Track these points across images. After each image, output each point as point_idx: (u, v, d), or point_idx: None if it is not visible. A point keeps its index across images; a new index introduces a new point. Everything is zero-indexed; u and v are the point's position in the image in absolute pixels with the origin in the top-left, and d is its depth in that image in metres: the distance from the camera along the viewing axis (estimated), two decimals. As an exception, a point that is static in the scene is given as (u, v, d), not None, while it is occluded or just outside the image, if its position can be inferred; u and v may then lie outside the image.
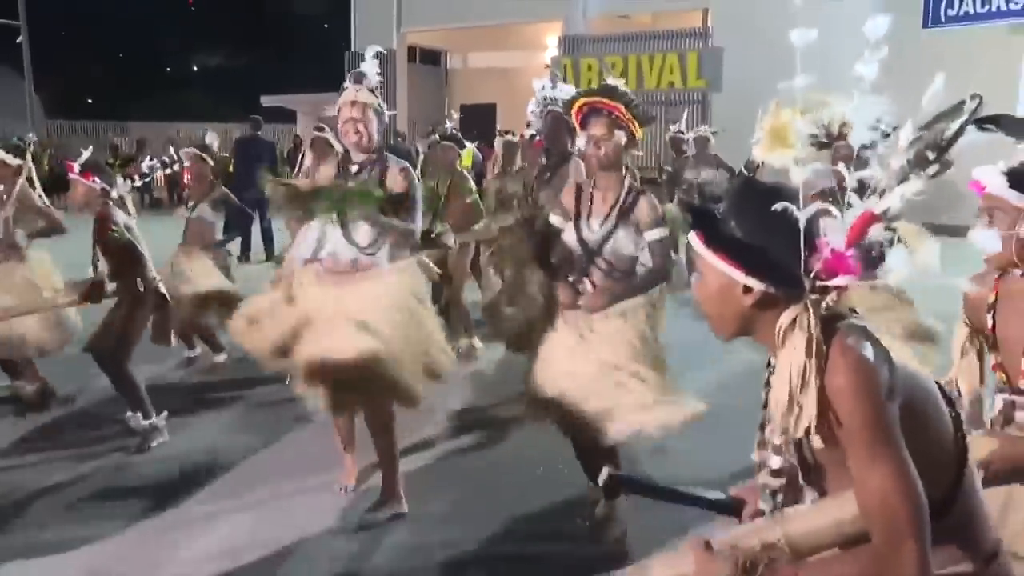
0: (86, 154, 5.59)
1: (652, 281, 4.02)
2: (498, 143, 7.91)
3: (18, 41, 32.12)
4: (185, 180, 7.76)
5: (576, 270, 4.01)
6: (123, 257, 5.28)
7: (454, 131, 7.93)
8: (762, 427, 1.85)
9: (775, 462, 1.78)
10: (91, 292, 5.26)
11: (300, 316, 4.16)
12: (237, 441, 5.41)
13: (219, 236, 7.17)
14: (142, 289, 5.32)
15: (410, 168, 4.33)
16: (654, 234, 3.95)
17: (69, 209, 6.12)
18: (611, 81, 4.06)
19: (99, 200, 5.40)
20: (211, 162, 7.14)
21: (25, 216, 6.06)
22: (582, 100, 4.04)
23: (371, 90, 4.28)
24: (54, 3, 37.66)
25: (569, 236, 4.03)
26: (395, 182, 4.21)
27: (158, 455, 5.21)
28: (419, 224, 4.32)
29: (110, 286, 5.27)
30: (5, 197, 6.02)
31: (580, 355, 3.89)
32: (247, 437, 5.45)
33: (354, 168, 4.26)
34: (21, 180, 6.07)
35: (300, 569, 3.87)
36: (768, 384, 1.80)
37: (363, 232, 4.15)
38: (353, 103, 4.23)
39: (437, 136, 8.96)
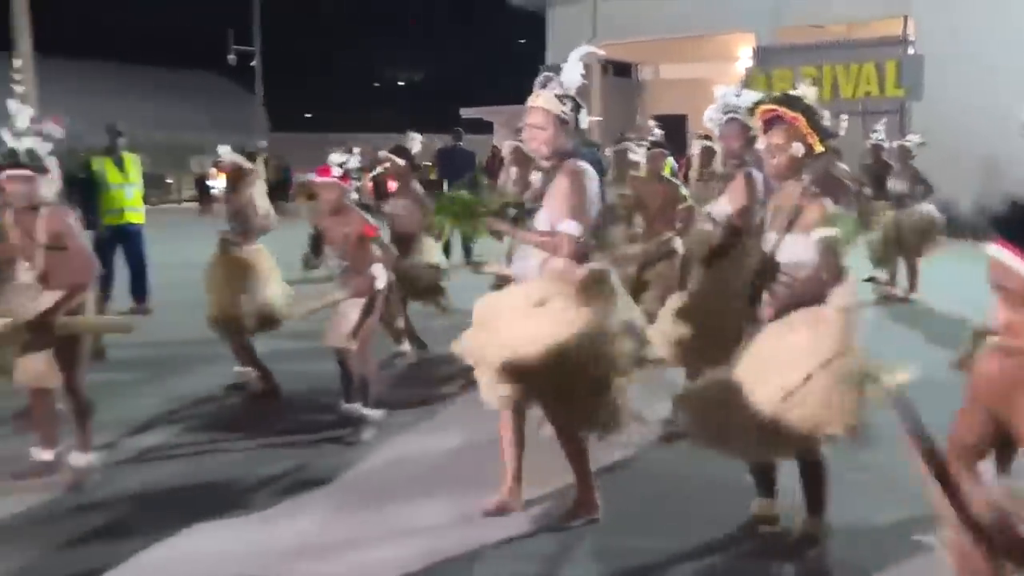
0: (341, 157, 5.58)
1: (822, 283, 3.70)
2: (696, 145, 7.70)
3: (252, 64, 34.51)
4: (390, 186, 7.90)
5: (765, 282, 3.81)
6: (376, 257, 5.46)
7: (661, 139, 7.71)
8: None
9: None
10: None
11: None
12: (443, 439, 5.44)
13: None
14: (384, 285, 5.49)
15: (579, 170, 3.97)
16: (820, 233, 3.68)
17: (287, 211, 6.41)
18: (800, 89, 3.84)
19: (346, 202, 5.54)
20: (401, 162, 7.21)
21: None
22: (764, 107, 3.85)
23: (559, 96, 3.97)
24: (282, 30, 39.96)
25: (757, 250, 3.86)
26: (556, 185, 3.98)
27: (366, 448, 5.30)
28: (570, 227, 3.91)
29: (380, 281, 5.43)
30: (236, 194, 6.40)
31: (769, 370, 3.64)
32: (453, 435, 5.47)
33: (533, 177, 4.20)
34: (252, 181, 6.45)
35: (487, 570, 3.84)
36: None
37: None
38: (532, 109, 4.00)
39: (625, 144, 8.89)
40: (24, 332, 4.46)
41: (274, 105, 39.66)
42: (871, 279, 10.78)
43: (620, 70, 28.39)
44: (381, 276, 5.47)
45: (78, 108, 26.84)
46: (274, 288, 6.30)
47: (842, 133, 9.40)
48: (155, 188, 25.61)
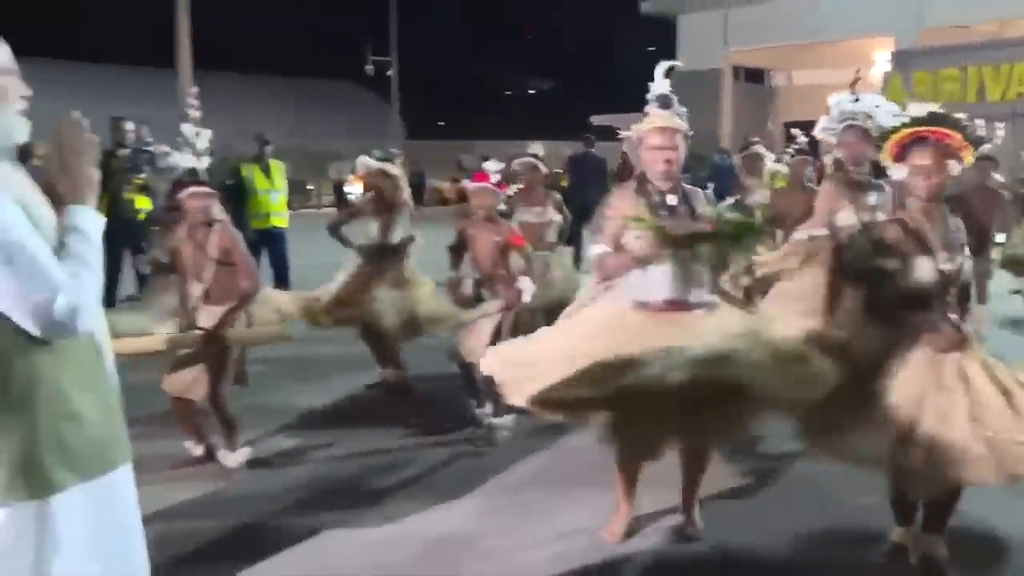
0: (496, 164, 5.60)
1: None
2: (829, 159, 7.46)
3: (388, 74, 35.45)
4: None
5: (936, 306, 3.57)
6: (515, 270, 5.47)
7: (805, 146, 7.50)
8: None
9: None
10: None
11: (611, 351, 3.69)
12: (577, 440, 5.24)
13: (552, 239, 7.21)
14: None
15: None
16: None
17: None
18: (913, 107, 3.65)
19: (494, 210, 5.56)
20: (544, 170, 7.23)
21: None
22: (907, 130, 3.62)
23: (679, 115, 3.91)
24: (417, 41, 40.88)
25: (924, 271, 3.57)
26: (704, 208, 3.93)
27: (499, 451, 5.32)
28: None
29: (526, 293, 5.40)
30: (380, 205, 6.55)
31: (965, 397, 3.43)
32: (585, 438, 5.32)
33: (670, 199, 3.87)
34: (401, 188, 6.62)
35: None
36: None
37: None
38: (663, 130, 3.86)
39: (755, 149, 8.70)
40: (192, 344, 4.70)
41: (408, 113, 40.52)
42: (1018, 291, 10.27)
43: (752, 76, 27.85)
44: (528, 289, 5.41)
45: (227, 118, 28.17)
46: (425, 296, 6.41)
47: (998, 141, 8.95)
48: (296, 194, 26.52)
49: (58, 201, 2.06)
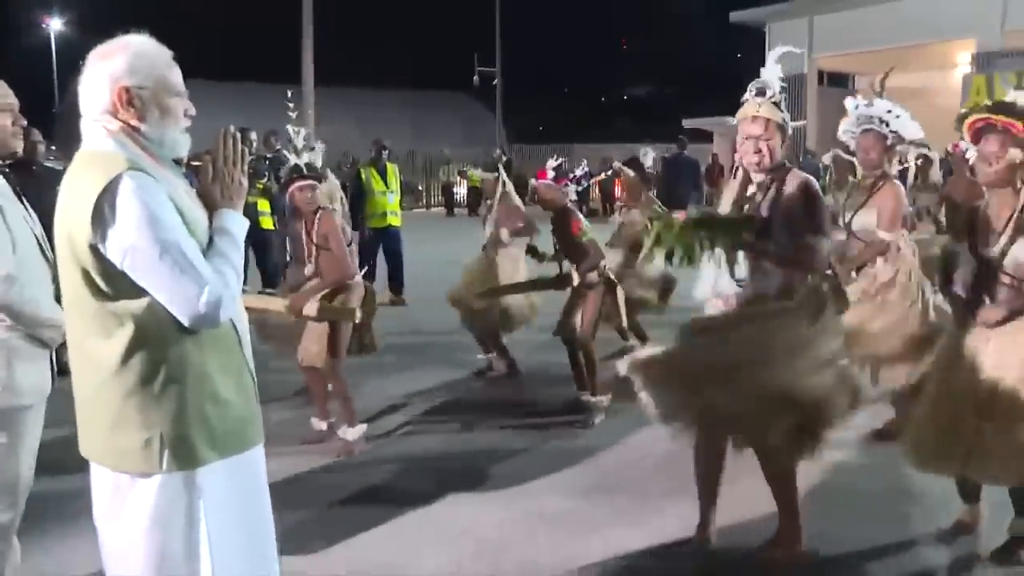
0: (555, 161, 5.90)
1: None
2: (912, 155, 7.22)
3: (494, 84, 35.72)
4: (617, 192, 7.98)
5: (978, 287, 3.45)
6: (586, 253, 5.53)
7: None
8: None
9: None
10: (559, 282, 5.68)
11: None
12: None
13: None
14: (598, 279, 5.52)
15: (811, 182, 3.50)
16: None
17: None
18: (1010, 95, 3.42)
19: (565, 204, 5.73)
20: (631, 173, 7.30)
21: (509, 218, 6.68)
22: (975, 116, 3.44)
23: (775, 103, 3.49)
24: (521, 52, 41.05)
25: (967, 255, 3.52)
26: (791, 198, 3.47)
27: (595, 433, 5.30)
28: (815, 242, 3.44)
29: (577, 278, 5.52)
30: (493, 205, 6.79)
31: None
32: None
33: (751, 189, 3.56)
34: (500, 189, 6.83)
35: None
36: None
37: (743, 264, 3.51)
38: (754, 118, 3.48)
39: (839, 151, 8.47)
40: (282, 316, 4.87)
41: (512, 120, 40.60)
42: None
43: (835, 80, 26.97)
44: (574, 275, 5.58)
45: (347, 127, 28.79)
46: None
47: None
48: (408, 195, 26.84)
49: (210, 205, 2.13)
